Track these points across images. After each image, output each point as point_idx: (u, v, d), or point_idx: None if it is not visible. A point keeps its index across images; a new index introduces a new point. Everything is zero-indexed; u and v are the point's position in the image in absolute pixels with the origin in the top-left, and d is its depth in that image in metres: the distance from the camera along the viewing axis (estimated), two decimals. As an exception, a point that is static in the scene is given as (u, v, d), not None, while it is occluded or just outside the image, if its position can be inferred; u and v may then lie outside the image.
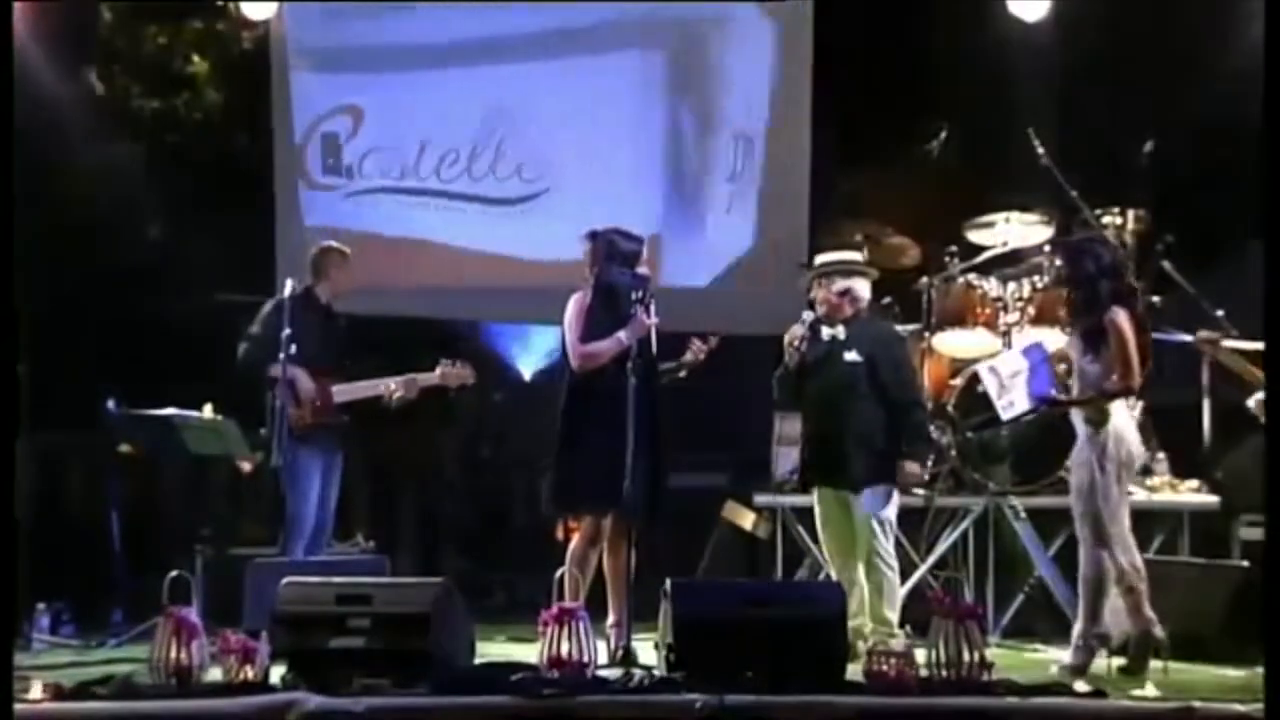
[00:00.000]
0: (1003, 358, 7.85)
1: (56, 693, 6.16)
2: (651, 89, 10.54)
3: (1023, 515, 8.63)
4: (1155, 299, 8.53)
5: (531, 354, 11.61)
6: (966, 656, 6.22)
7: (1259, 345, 7.97)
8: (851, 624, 6.96)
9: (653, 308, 7.45)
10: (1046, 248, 9.14)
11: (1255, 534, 8.32)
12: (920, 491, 8.47)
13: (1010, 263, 9.18)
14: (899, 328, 8.75)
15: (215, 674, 6.38)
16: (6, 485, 6.63)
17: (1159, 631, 7.08)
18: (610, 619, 7.50)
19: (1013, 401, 7.68)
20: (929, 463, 8.66)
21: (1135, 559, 7.18)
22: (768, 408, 9.09)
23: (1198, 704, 5.98)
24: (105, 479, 9.60)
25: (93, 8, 10.62)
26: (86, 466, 10.02)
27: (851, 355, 7.68)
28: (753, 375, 9.75)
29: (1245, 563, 8.11)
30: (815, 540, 8.30)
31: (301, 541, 8.05)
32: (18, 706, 5.84)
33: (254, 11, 10.31)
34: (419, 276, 10.50)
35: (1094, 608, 7.20)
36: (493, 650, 7.31)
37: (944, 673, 6.23)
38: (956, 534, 8.65)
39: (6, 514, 6.72)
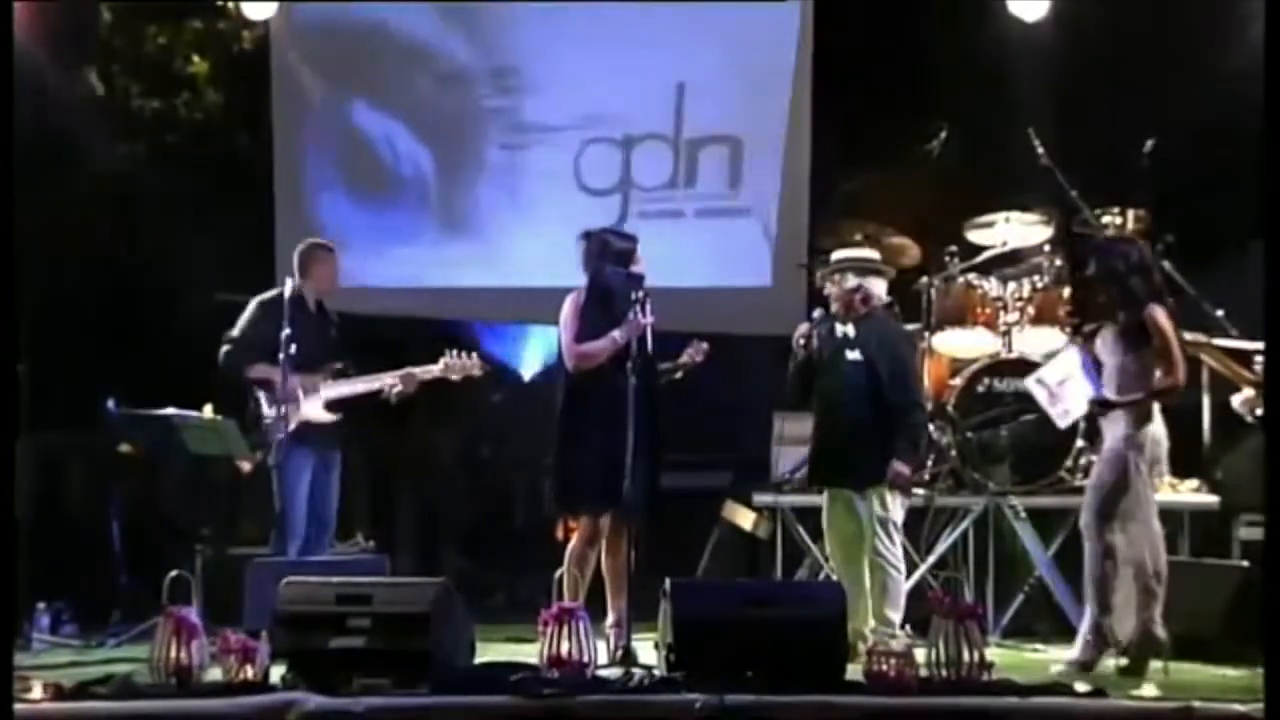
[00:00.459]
0: (1047, 367, 7.81)
1: (56, 693, 6.16)
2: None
3: (1023, 515, 8.63)
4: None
5: (531, 354, 11.61)
6: (966, 656, 6.22)
7: (1245, 345, 8.01)
8: (851, 624, 6.96)
9: (648, 307, 7.43)
10: (1046, 248, 9.15)
11: (1255, 534, 8.32)
12: (919, 491, 8.47)
13: (1010, 263, 9.18)
14: (901, 328, 8.76)
15: (215, 674, 6.38)
16: (6, 485, 6.63)
17: (1161, 632, 7.09)
18: (610, 619, 7.50)
19: (1067, 410, 7.64)
20: (929, 463, 8.68)
21: (1162, 561, 7.19)
22: (768, 408, 9.11)
23: (1198, 704, 5.99)
24: (105, 479, 9.61)
25: (93, 8, 10.63)
26: (86, 466, 10.03)
27: (857, 354, 7.68)
28: (753, 375, 9.77)
29: (1245, 563, 8.11)
30: (815, 540, 8.30)
31: (293, 541, 8.04)
32: (18, 706, 5.85)
33: (254, 11, 10.32)
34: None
35: (1105, 602, 7.18)
36: (493, 650, 7.31)
37: (944, 673, 6.23)
38: (956, 534, 8.65)
39: (6, 514, 6.72)
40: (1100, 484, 7.26)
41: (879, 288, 7.88)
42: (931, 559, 8.59)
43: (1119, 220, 8.94)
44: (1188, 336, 7.91)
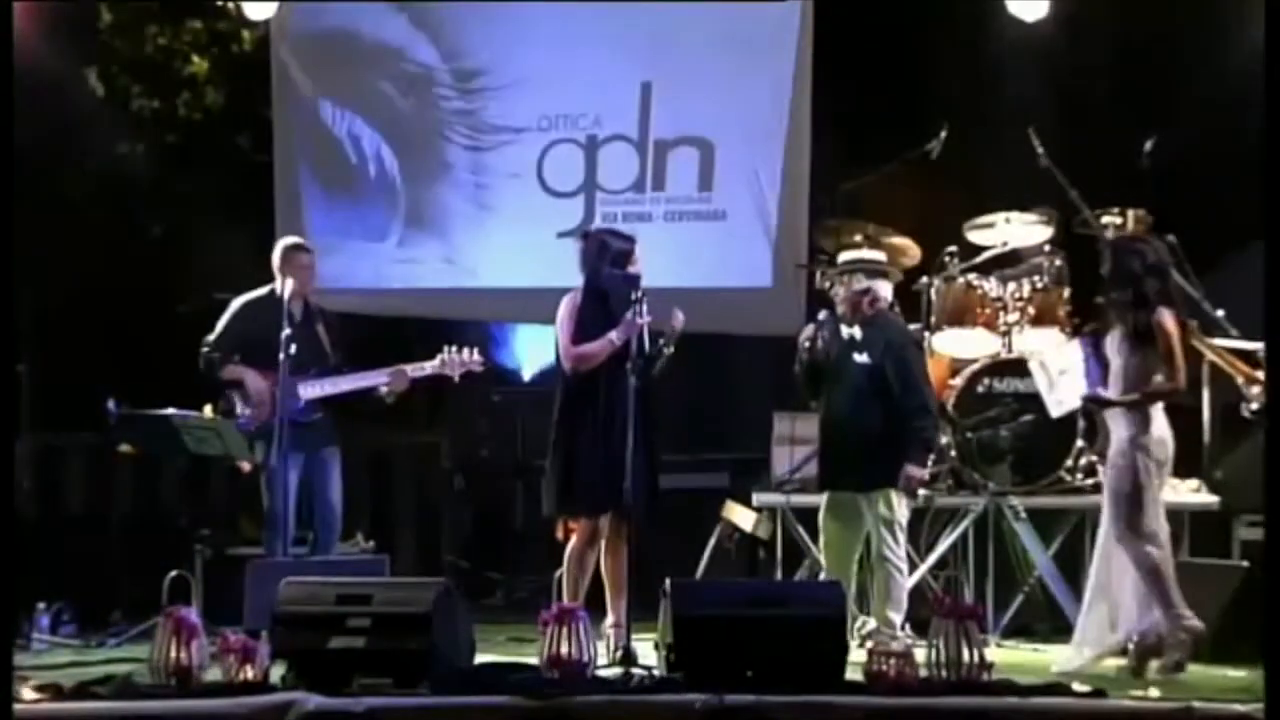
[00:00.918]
0: (1054, 353, 7.82)
1: (56, 693, 6.16)
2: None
3: (1023, 515, 8.62)
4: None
5: (531, 354, 11.62)
6: (966, 656, 6.22)
7: (1246, 345, 8.01)
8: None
9: (645, 307, 7.42)
10: (1046, 248, 9.14)
11: (1255, 534, 8.32)
12: (921, 492, 8.47)
13: (1010, 263, 9.17)
14: (901, 328, 8.76)
15: (215, 674, 6.38)
16: (6, 485, 6.64)
17: (1163, 633, 7.08)
18: (610, 619, 7.50)
19: (1061, 400, 7.66)
20: (929, 463, 8.68)
21: (1169, 560, 7.18)
22: (768, 408, 9.10)
23: (1198, 704, 5.99)
24: (105, 479, 9.61)
25: (93, 8, 10.63)
26: (86, 466, 10.04)
27: (863, 357, 7.68)
28: (752, 375, 9.77)
29: (1245, 563, 8.11)
30: (815, 540, 8.30)
31: (281, 540, 8.04)
32: (18, 706, 5.85)
33: (254, 11, 10.31)
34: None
35: (1167, 601, 7.14)
36: (493, 650, 7.31)
37: (944, 673, 6.23)
38: (956, 534, 8.65)
39: (6, 514, 6.73)
40: (1118, 493, 7.24)
41: (886, 290, 7.89)
42: (931, 559, 8.59)
43: (1119, 220, 8.93)
44: (1217, 342, 7.92)
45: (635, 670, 6.67)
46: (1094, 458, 8.57)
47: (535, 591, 9.43)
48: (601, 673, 6.52)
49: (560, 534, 7.93)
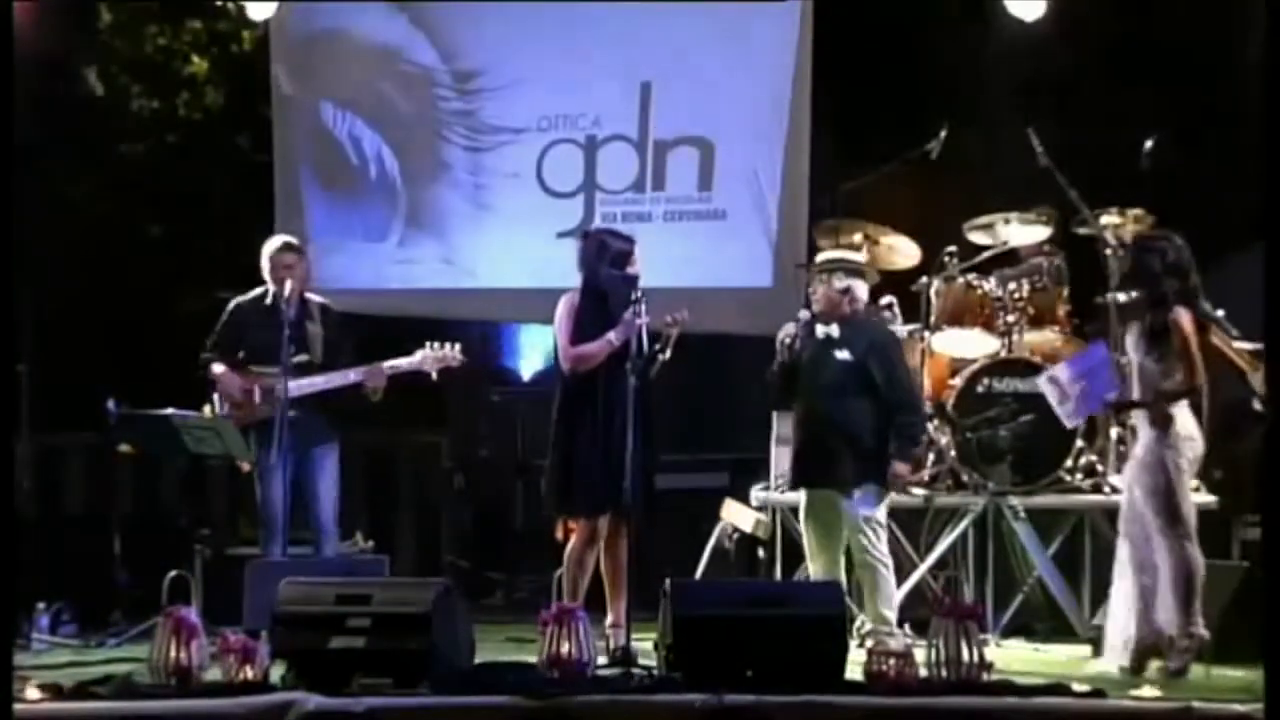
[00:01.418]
0: (1062, 365, 7.80)
1: (56, 693, 6.17)
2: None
3: (1022, 515, 8.62)
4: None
5: (530, 354, 11.62)
6: (966, 656, 6.23)
7: (1245, 345, 8.00)
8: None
9: (644, 307, 7.41)
10: (1046, 248, 9.15)
11: (1255, 534, 8.31)
12: (919, 491, 8.46)
13: (1010, 263, 9.18)
14: (898, 328, 8.75)
15: (215, 674, 6.38)
16: (6, 485, 6.64)
17: (1172, 635, 7.08)
18: (609, 619, 7.50)
19: (1076, 409, 7.64)
20: (928, 463, 8.68)
21: (1202, 563, 7.18)
22: (767, 407, 9.10)
23: (1197, 704, 5.99)
24: (105, 479, 9.61)
25: (93, 8, 10.63)
26: (86, 466, 10.04)
27: (844, 355, 7.67)
28: (752, 375, 9.75)
29: (1245, 563, 8.11)
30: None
31: (274, 540, 8.04)
32: (18, 706, 5.85)
33: (254, 11, 10.31)
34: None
35: (1190, 602, 7.11)
36: (493, 650, 7.31)
37: (944, 673, 6.24)
38: (956, 534, 8.64)
39: (6, 514, 6.72)
40: (1155, 492, 7.20)
41: (863, 290, 7.90)
42: (931, 559, 8.59)
43: (1119, 220, 8.94)
44: (1240, 346, 7.90)
45: (635, 670, 6.67)
46: (1094, 458, 8.58)
47: (535, 591, 9.44)
48: (601, 673, 6.52)
49: (560, 534, 7.93)
